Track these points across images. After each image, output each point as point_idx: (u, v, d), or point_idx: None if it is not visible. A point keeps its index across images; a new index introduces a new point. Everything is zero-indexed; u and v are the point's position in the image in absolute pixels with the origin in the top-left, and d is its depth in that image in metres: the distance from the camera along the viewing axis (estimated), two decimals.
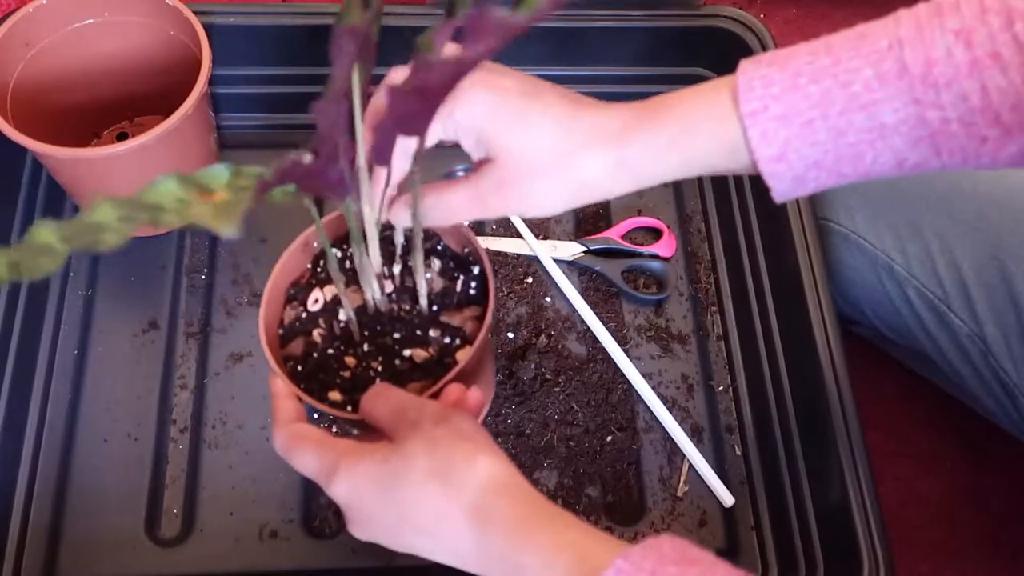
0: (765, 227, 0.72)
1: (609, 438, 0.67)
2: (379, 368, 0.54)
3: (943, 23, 0.39)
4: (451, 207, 0.46)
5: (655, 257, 0.74)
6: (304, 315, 0.56)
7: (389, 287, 0.55)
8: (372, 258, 0.51)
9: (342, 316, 0.55)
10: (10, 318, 0.65)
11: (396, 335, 0.54)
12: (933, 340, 0.68)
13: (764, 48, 0.74)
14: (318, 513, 0.63)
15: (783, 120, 0.40)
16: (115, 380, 0.67)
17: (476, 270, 0.56)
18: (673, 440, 0.67)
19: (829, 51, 0.42)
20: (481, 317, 0.54)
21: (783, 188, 0.42)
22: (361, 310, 0.55)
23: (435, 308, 0.55)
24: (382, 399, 0.46)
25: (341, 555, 0.62)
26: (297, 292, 0.57)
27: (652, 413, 0.68)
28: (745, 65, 0.42)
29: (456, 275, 0.56)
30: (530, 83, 0.46)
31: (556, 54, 0.77)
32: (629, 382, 0.69)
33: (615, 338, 0.70)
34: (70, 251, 0.33)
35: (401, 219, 0.49)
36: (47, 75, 0.68)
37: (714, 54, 0.77)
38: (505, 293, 0.73)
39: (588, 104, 0.45)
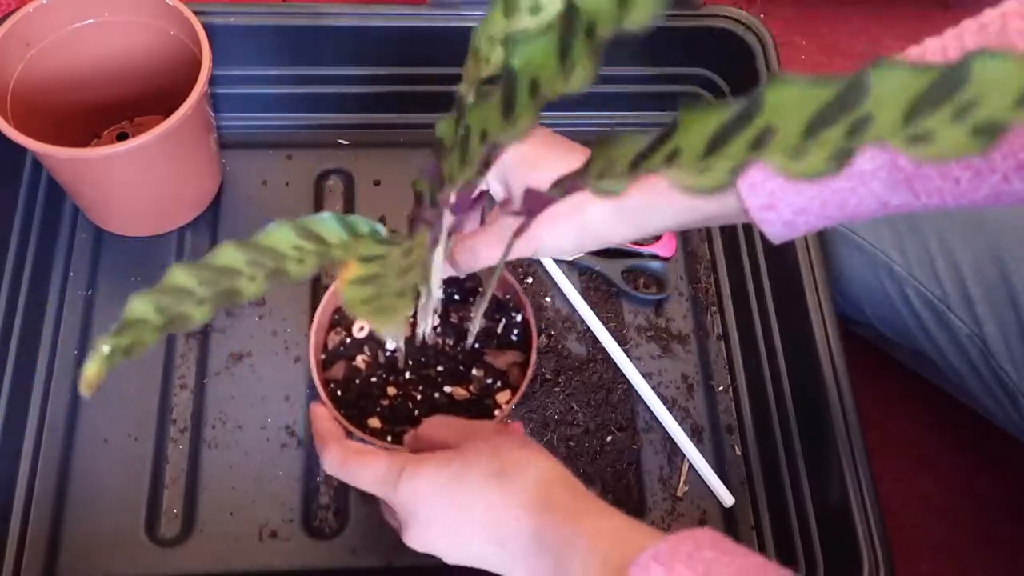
0: None
1: (609, 438, 0.67)
2: (418, 398, 0.55)
3: None
4: (477, 251, 0.49)
5: (655, 257, 0.74)
6: (348, 340, 0.57)
7: (435, 321, 0.56)
8: (434, 292, 0.52)
9: (390, 345, 0.56)
10: (10, 318, 0.65)
11: (439, 368, 0.55)
12: (932, 340, 0.68)
13: (764, 48, 0.74)
14: (318, 513, 0.63)
15: (769, 172, 0.42)
16: (115, 380, 0.67)
17: (518, 317, 0.57)
18: (673, 440, 0.67)
19: None
20: (522, 364, 0.56)
21: (775, 232, 0.44)
22: (408, 341, 0.56)
23: (478, 346, 0.56)
24: (445, 423, 0.50)
25: (341, 555, 0.62)
26: (341, 318, 0.58)
27: (652, 413, 0.68)
28: None
29: (497, 317, 0.57)
30: (553, 136, 0.50)
31: None
32: (629, 382, 0.69)
33: (615, 338, 0.70)
34: (209, 298, 0.34)
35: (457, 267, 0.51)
36: (47, 75, 0.68)
37: (714, 54, 0.77)
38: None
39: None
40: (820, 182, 0.42)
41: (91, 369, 0.33)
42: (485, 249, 0.48)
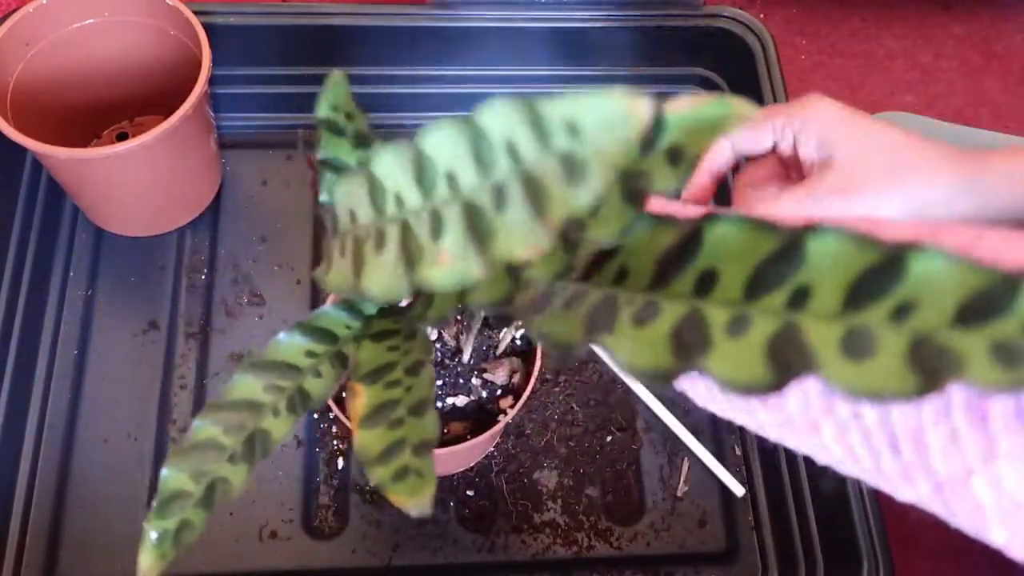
0: None
1: (609, 438, 0.67)
2: None
3: None
4: (783, 204, 0.47)
5: None
6: None
7: (434, 335, 0.57)
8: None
9: None
10: (10, 318, 0.65)
11: (439, 381, 0.55)
12: None
13: (764, 48, 0.74)
14: (318, 513, 0.63)
15: None
16: (115, 380, 0.67)
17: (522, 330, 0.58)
18: (673, 440, 0.67)
19: None
20: (523, 370, 0.56)
21: None
22: None
23: (473, 362, 0.56)
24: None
25: (341, 555, 0.62)
26: None
27: (652, 413, 0.68)
28: None
29: (498, 324, 0.58)
30: (902, 139, 0.48)
31: (557, 54, 0.77)
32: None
33: None
34: (240, 453, 0.33)
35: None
36: (47, 75, 0.68)
37: (714, 54, 0.77)
38: None
39: (926, 138, 0.47)
40: None
41: (146, 561, 0.32)
42: (792, 204, 0.46)
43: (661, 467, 0.67)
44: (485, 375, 0.56)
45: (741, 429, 0.68)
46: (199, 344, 0.69)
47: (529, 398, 0.67)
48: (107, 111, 0.75)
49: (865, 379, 0.19)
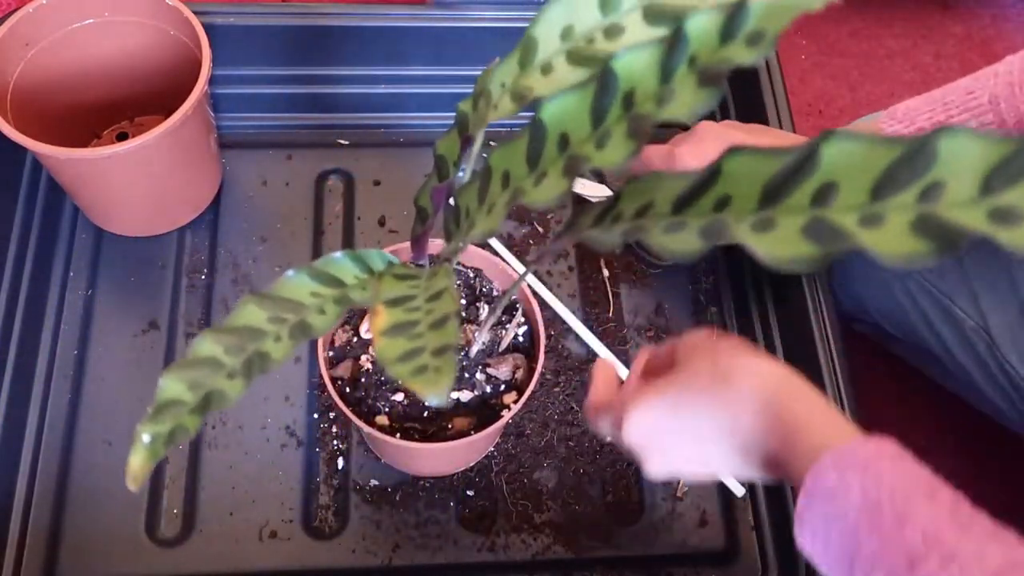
0: None
1: (609, 438, 0.67)
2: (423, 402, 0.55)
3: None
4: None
5: None
6: (355, 340, 0.57)
7: None
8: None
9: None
10: (10, 318, 0.65)
11: None
12: (938, 335, 0.68)
13: None
14: (318, 513, 0.63)
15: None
16: (115, 380, 0.67)
17: (523, 320, 0.58)
18: None
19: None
20: (526, 366, 0.56)
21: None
22: None
23: (478, 356, 0.56)
24: (660, 351, 0.50)
25: (341, 555, 0.62)
26: (351, 316, 0.58)
27: None
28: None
29: (503, 319, 0.58)
30: (750, 127, 0.52)
31: None
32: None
33: (615, 338, 0.70)
34: (239, 369, 0.33)
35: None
36: (47, 75, 0.68)
37: None
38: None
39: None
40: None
41: (136, 461, 0.32)
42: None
43: None
44: (489, 370, 0.56)
45: None
46: None
47: (529, 398, 0.67)
48: (107, 111, 0.75)
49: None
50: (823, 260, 0.26)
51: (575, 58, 0.38)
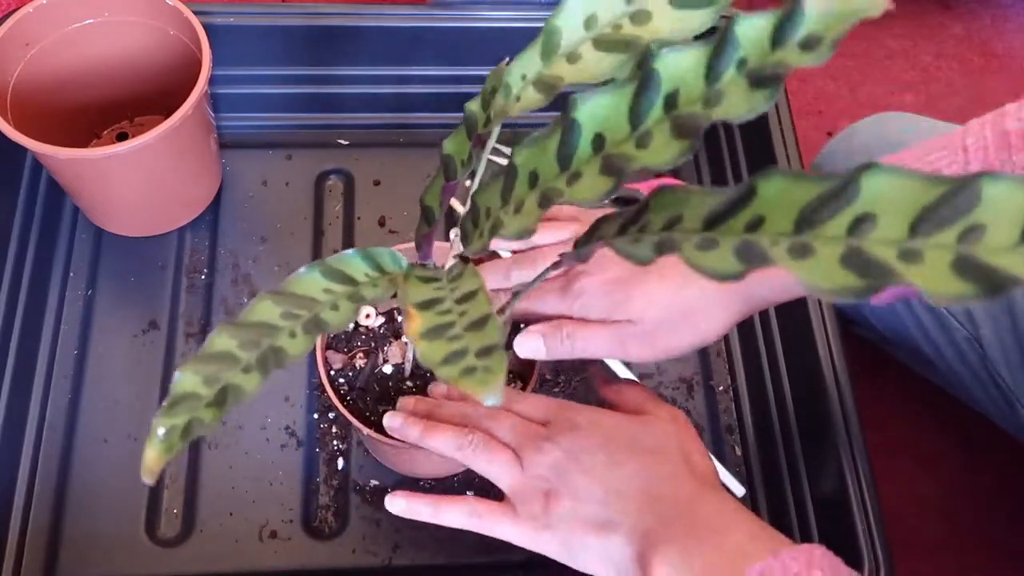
0: None
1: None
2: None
3: None
4: (591, 348, 0.51)
5: None
6: (351, 337, 0.57)
7: None
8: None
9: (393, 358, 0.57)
10: (10, 318, 0.65)
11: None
12: (933, 342, 0.68)
13: None
14: (318, 513, 0.63)
15: None
16: (115, 380, 0.67)
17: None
18: None
19: None
20: (526, 364, 0.56)
21: None
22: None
23: None
24: (539, 404, 0.51)
25: (341, 555, 0.62)
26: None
27: None
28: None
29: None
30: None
31: None
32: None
33: None
34: (255, 363, 0.34)
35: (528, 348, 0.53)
36: (47, 75, 0.68)
37: None
38: None
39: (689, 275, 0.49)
40: None
41: (150, 454, 0.32)
42: (590, 344, 0.51)
43: None
44: None
45: (741, 429, 0.68)
46: (199, 344, 0.69)
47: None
48: (107, 111, 0.75)
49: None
50: (867, 292, 0.26)
51: (603, 44, 0.38)
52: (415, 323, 0.33)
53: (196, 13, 0.66)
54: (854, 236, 0.27)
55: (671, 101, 0.34)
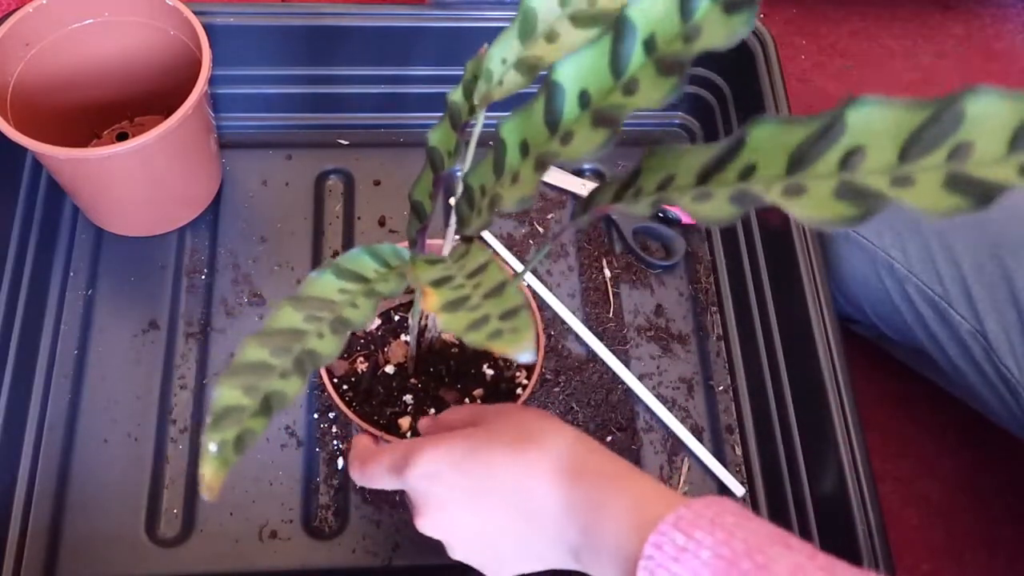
0: (765, 227, 0.72)
1: (609, 438, 0.67)
2: (427, 399, 0.56)
3: None
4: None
5: (673, 223, 0.76)
6: (353, 339, 0.57)
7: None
8: None
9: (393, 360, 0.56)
10: (10, 318, 0.65)
11: (450, 363, 0.56)
12: (934, 338, 0.68)
13: (764, 48, 0.74)
14: (318, 513, 0.63)
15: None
16: (115, 380, 0.67)
17: None
18: (673, 440, 0.67)
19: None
20: (527, 368, 0.56)
21: None
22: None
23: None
24: (468, 407, 0.49)
25: (341, 555, 0.62)
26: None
27: (652, 413, 0.68)
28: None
29: None
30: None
31: None
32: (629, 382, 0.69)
33: (615, 338, 0.70)
34: (291, 368, 0.34)
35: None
36: (47, 75, 0.68)
37: (714, 55, 0.77)
38: None
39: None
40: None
41: (208, 472, 0.32)
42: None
43: (661, 467, 0.67)
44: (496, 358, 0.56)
45: (741, 429, 0.68)
46: (199, 344, 0.69)
47: (529, 398, 0.67)
48: (107, 111, 0.75)
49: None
50: (861, 219, 0.26)
51: (580, 20, 0.38)
52: (432, 299, 0.33)
53: (196, 13, 0.66)
54: (846, 170, 0.27)
55: (650, 44, 0.34)
